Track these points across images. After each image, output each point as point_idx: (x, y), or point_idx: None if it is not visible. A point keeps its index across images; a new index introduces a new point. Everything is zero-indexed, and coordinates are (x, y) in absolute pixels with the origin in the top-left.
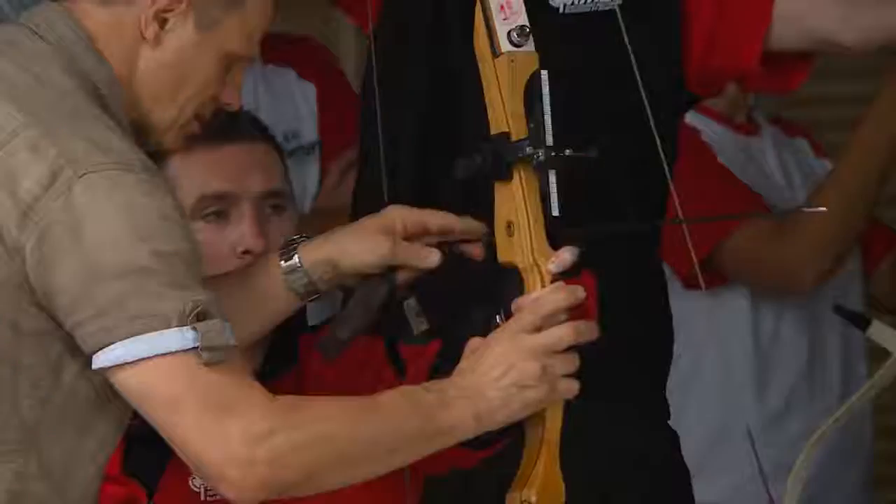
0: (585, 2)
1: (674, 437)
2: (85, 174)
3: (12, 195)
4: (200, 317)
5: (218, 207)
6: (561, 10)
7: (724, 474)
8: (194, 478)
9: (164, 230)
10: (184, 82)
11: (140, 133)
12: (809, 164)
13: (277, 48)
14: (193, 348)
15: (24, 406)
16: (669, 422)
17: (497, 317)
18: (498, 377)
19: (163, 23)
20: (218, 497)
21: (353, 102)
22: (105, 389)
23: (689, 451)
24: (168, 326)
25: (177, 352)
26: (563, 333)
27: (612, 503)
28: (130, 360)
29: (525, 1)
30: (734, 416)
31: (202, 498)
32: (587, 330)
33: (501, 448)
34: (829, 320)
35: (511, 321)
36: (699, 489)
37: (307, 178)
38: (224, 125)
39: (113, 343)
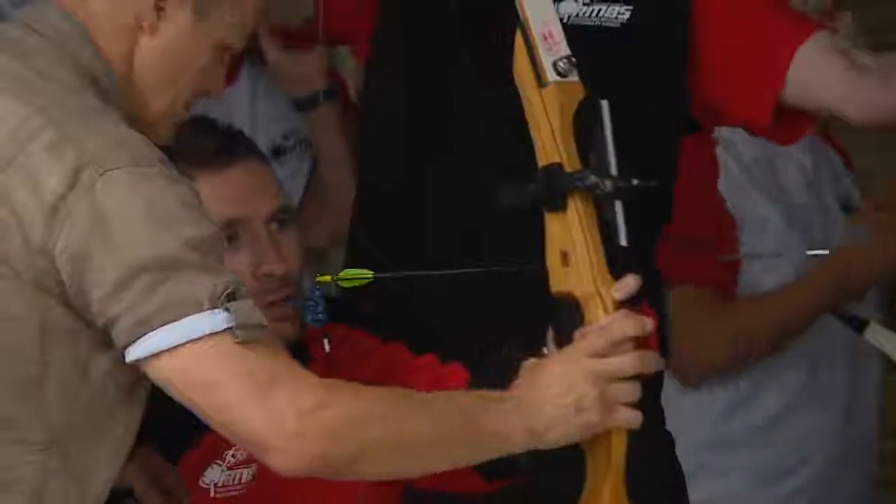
0: (590, 15)
1: (669, 440)
2: (106, 172)
3: (36, 196)
4: (230, 298)
5: (228, 233)
6: (565, 20)
7: (719, 478)
8: (204, 476)
9: (186, 218)
10: (179, 72)
11: (134, 125)
12: (838, 176)
13: None
14: (227, 329)
15: (51, 405)
16: (666, 425)
17: (544, 349)
18: (557, 395)
19: (160, 11)
20: (229, 496)
21: (348, 100)
22: (128, 387)
23: (686, 453)
24: (200, 310)
25: (211, 334)
26: (628, 362)
27: None
28: (165, 348)
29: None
30: (731, 419)
31: (211, 495)
32: (652, 361)
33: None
34: (836, 321)
35: (577, 344)
36: (694, 492)
37: (301, 173)
38: (222, 149)
39: (146, 334)
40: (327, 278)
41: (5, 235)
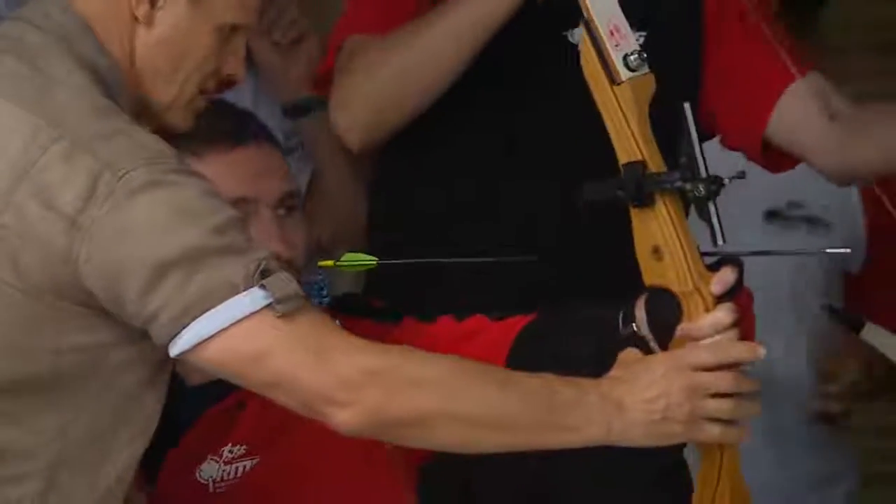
0: None
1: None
2: (123, 176)
3: (52, 209)
4: (264, 274)
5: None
6: (580, 47)
7: None
8: (201, 471)
9: (207, 206)
10: (181, 59)
11: (144, 115)
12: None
13: None
14: (267, 305)
15: (63, 402)
16: None
17: (632, 324)
18: (649, 399)
19: (154, 2)
20: (226, 490)
21: None
22: (148, 379)
23: None
24: (236, 292)
25: (251, 314)
26: (729, 381)
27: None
28: (208, 335)
29: (541, 34)
30: None
31: (210, 490)
32: (747, 385)
33: None
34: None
35: (686, 353)
36: None
37: (304, 173)
38: (233, 128)
39: (187, 325)
40: (330, 263)
41: (20, 249)
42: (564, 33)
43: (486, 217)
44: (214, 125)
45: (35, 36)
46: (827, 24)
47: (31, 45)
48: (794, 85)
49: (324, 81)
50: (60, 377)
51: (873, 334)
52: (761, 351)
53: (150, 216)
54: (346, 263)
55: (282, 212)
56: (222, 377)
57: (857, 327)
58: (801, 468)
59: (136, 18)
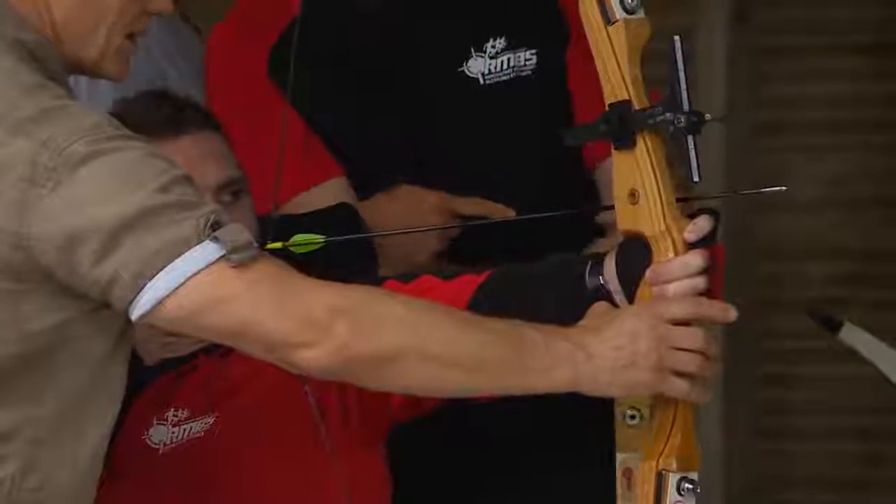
0: (503, 68)
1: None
2: (62, 152)
3: None
4: (215, 227)
5: None
6: (480, 80)
7: None
8: (151, 435)
9: (151, 168)
10: (99, 15)
11: (81, 72)
12: None
13: None
14: (221, 257)
15: (33, 379)
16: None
17: (600, 277)
18: (617, 346)
19: None
20: (178, 449)
21: None
22: (111, 349)
23: None
24: (189, 247)
25: (207, 267)
26: (697, 337)
27: None
28: (166, 293)
29: (441, 73)
30: None
31: (161, 453)
32: (714, 347)
33: None
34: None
35: (658, 306)
36: None
37: None
38: (172, 117)
39: (144, 287)
40: (278, 245)
41: None
42: (460, 69)
43: None
44: (153, 117)
45: None
46: (824, 25)
47: None
48: None
49: None
50: (29, 359)
51: (852, 335)
52: (732, 313)
53: (95, 185)
54: (295, 244)
55: (227, 198)
56: (187, 333)
57: (834, 328)
58: None
59: None
